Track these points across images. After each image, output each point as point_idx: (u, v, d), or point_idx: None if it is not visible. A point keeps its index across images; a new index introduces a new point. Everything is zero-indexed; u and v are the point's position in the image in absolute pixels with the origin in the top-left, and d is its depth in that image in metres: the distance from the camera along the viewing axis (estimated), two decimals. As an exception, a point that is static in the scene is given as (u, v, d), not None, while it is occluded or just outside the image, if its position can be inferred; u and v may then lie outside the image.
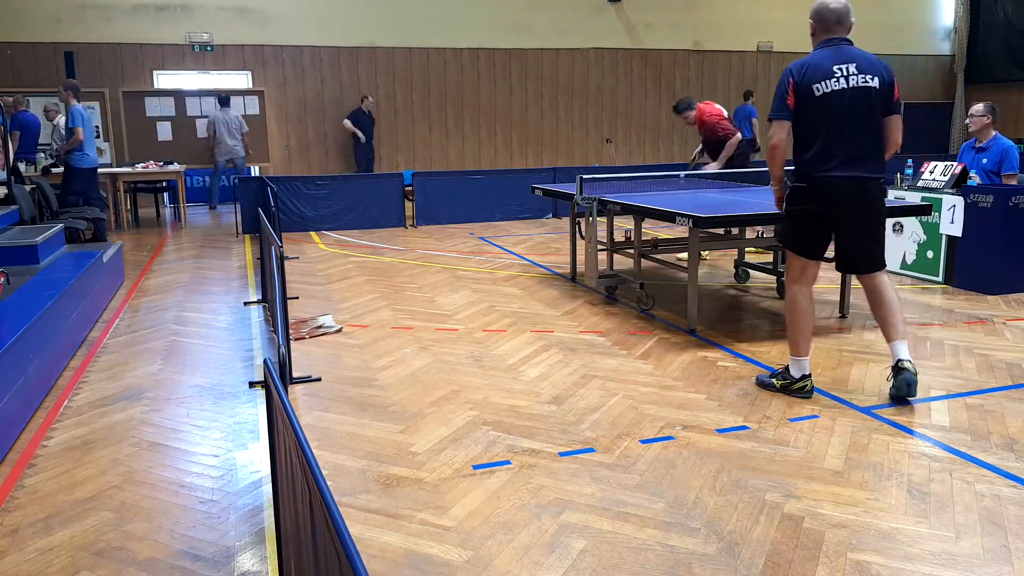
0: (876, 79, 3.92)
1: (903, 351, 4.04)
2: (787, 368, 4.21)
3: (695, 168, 8.30)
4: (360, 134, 13.75)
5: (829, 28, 4.00)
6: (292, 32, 13.87)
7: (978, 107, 6.97)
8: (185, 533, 2.88)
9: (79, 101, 9.55)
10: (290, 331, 5.25)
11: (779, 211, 4.34)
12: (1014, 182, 6.81)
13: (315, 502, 1.53)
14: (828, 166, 3.94)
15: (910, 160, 7.81)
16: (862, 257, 4.14)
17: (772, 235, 6.37)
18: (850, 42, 4.01)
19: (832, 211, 4.02)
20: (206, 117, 13.07)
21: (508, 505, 3.03)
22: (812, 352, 4.37)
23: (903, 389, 3.96)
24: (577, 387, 4.33)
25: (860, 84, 3.90)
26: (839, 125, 3.91)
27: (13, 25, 12.56)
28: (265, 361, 2.13)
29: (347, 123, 13.82)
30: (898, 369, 4.01)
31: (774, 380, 4.22)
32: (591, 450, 3.51)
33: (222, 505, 3.09)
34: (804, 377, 4.13)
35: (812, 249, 4.13)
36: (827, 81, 3.90)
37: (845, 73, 3.90)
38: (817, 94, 3.90)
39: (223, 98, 12.63)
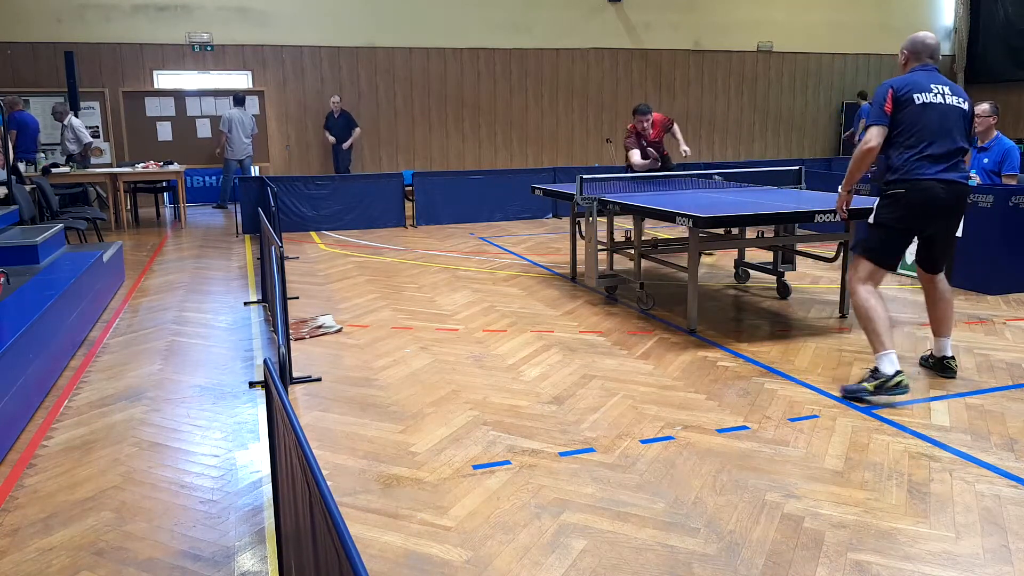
0: (965, 103, 4.24)
1: (950, 347, 4.48)
2: (875, 369, 4.11)
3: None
4: (330, 139, 13.64)
5: (920, 59, 4.33)
6: (292, 32, 13.87)
7: (984, 107, 6.96)
8: (185, 533, 2.88)
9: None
10: (290, 331, 5.25)
11: (841, 218, 4.66)
12: (1014, 182, 6.81)
13: (315, 502, 1.53)
14: (929, 169, 4.10)
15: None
16: (941, 257, 4.40)
17: (772, 235, 6.39)
18: (938, 71, 4.33)
19: (927, 213, 4.15)
20: (206, 117, 13.06)
21: (508, 505, 3.03)
22: (813, 351, 4.36)
23: (951, 374, 4.45)
24: (577, 387, 4.33)
25: (954, 104, 4.20)
26: (939, 131, 4.13)
27: (13, 25, 12.56)
28: (265, 361, 2.13)
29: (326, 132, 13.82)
30: (944, 367, 4.45)
31: (865, 384, 4.09)
32: (591, 450, 3.51)
33: (222, 505, 3.09)
34: (898, 372, 4.06)
35: (891, 260, 4.31)
36: (926, 94, 4.17)
37: (941, 92, 4.20)
38: (918, 102, 4.15)
39: (239, 97, 12.60)
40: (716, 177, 7.61)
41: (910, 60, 4.36)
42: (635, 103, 15.74)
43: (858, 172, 4.32)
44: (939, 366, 4.47)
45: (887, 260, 4.27)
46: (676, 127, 8.38)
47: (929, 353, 4.58)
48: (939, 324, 4.45)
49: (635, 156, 8.08)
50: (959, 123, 4.18)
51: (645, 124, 8.05)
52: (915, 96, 4.15)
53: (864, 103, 14.73)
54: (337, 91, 14.10)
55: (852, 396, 4.12)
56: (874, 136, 4.16)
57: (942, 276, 4.44)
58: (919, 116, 4.13)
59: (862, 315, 4.20)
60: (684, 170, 9.11)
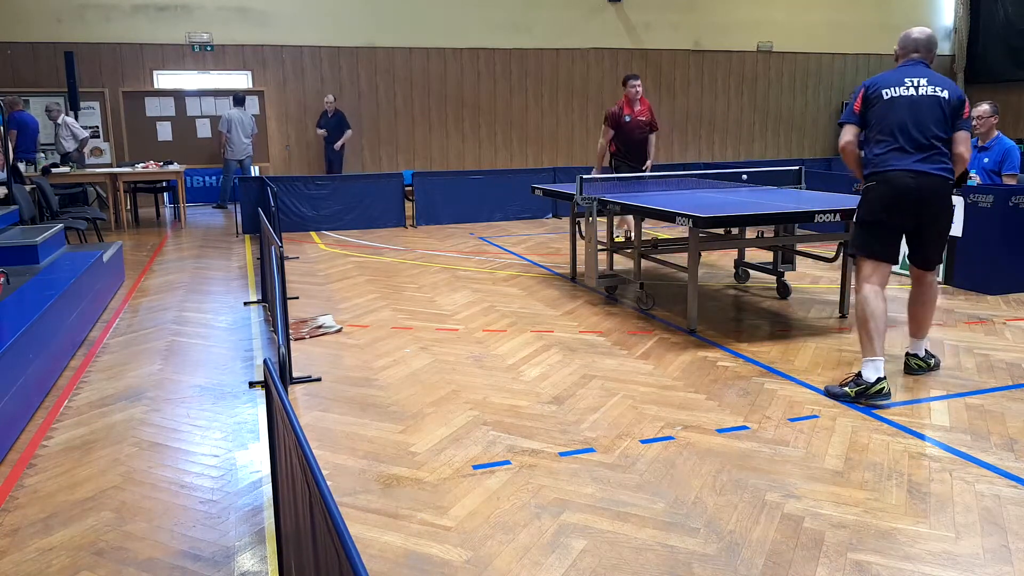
0: (946, 91, 4.14)
1: (922, 348, 4.49)
2: (859, 374, 4.10)
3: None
4: (320, 132, 13.40)
5: (908, 54, 4.34)
6: (292, 32, 13.87)
7: (985, 107, 6.96)
8: (185, 533, 2.88)
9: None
10: (290, 331, 5.25)
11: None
12: (1014, 182, 6.81)
13: (315, 502, 1.53)
14: (899, 161, 4.10)
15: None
16: (930, 253, 4.32)
17: (772, 235, 6.39)
18: (927, 65, 4.29)
19: (899, 205, 4.11)
20: (206, 117, 13.06)
21: (508, 505, 3.03)
22: (813, 351, 4.34)
23: (913, 372, 4.48)
24: (577, 387, 4.33)
25: (930, 93, 4.14)
26: (908, 124, 4.10)
27: (13, 25, 12.56)
28: (265, 361, 2.13)
29: (319, 130, 13.59)
30: (907, 364, 4.51)
31: (846, 389, 4.08)
32: (591, 450, 3.51)
33: (222, 505, 3.09)
34: (880, 380, 4.02)
35: (883, 252, 4.22)
36: (897, 87, 4.18)
37: (915, 84, 4.17)
38: (886, 97, 4.18)
39: (239, 98, 12.58)
40: (744, 176, 7.57)
41: (899, 56, 4.38)
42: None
43: (854, 168, 4.34)
44: (905, 363, 4.51)
45: (879, 253, 4.20)
46: (654, 136, 8.31)
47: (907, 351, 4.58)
48: (916, 326, 4.45)
49: (603, 142, 8.09)
50: (935, 112, 4.10)
51: (638, 89, 8.07)
52: (883, 92, 4.18)
53: None
54: (337, 91, 14.10)
55: (833, 397, 4.11)
56: (844, 133, 4.29)
57: (932, 279, 4.40)
58: (887, 110, 4.15)
59: (859, 316, 4.16)
60: (684, 171, 9.11)
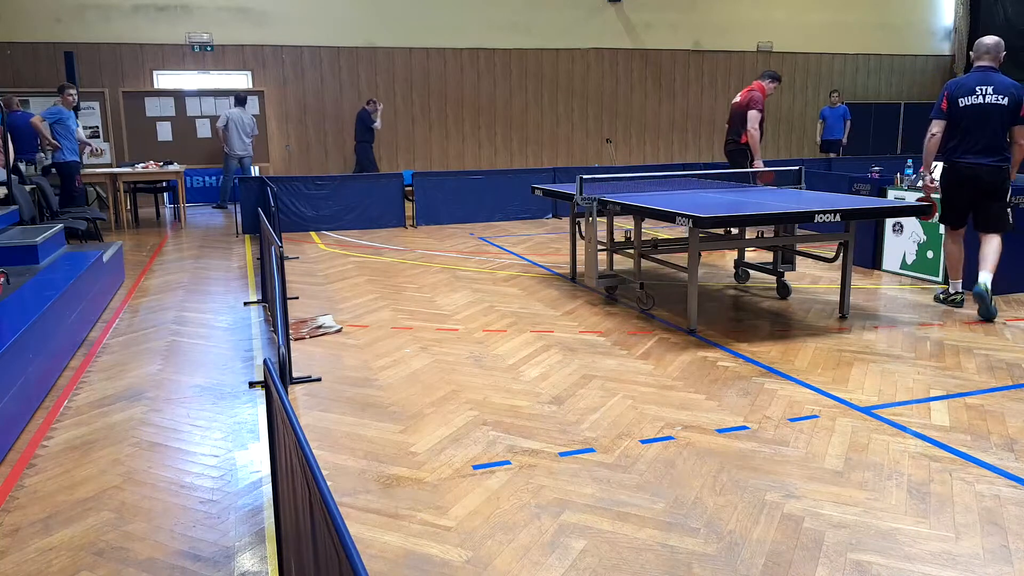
0: (1006, 98, 5.48)
1: (982, 277, 5.61)
2: (946, 289, 6.04)
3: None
4: (378, 127, 13.39)
5: (980, 58, 5.64)
6: (292, 32, 13.87)
7: None
8: (185, 533, 2.88)
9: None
10: (290, 331, 5.25)
11: (922, 196, 6.16)
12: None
13: (315, 502, 1.53)
14: (963, 155, 5.60)
15: (910, 160, 7.82)
16: (984, 219, 5.68)
17: (772, 235, 6.39)
18: (996, 69, 5.57)
19: (963, 186, 5.64)
20: (206, 117, 13.06)
21: (508, 505, 3.03)
22: (813, 351, 4.31)
23: (980, 305, 5.61)
24: (577, 387, 4.33)
25: (993, 102, 5.49)
26: (974, 128, 5.52)
27: (13, 25, 12.56)
28: (265, 361, 2.13)
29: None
30: (976, 294, 5.63)
31: (939, 295, 6.01)
32: (591, 450, 3.51)
33: (222, 505, 3.09)
34: (957, 292, 5.86)
35: (951, 219, 5.82)
36: (970, 97, 5.54)
37: (983, 93, 5.51)
38: (961, 105, 5.56)
39: (240, 97, 12.58)
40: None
41: (974, 60, 5.63)
42: (635, 103, 15.70)
43: (927, 156, 5.78)
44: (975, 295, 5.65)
45: (946, 218, 5.85)
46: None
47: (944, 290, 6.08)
48: (983, 261, 5.65)
49: (757, 128, 7.88)
50: (997, 118, 5.47)
51: (773, 93, 8.35)
52: (959, 100, 5.55)
53: (827, 105, 15.09)
54: (337, 91, 14.12)
55: (936, 300, 6.01)
56: (932, 128, 5.66)
57: (994, 237, 5.63)
58: (961, 116, 5.53)
59: (945, 255, 6.08)
60: (684, 171, 9.11)
